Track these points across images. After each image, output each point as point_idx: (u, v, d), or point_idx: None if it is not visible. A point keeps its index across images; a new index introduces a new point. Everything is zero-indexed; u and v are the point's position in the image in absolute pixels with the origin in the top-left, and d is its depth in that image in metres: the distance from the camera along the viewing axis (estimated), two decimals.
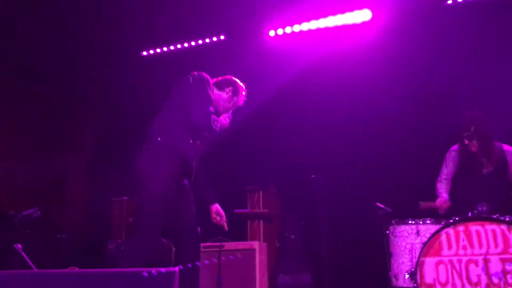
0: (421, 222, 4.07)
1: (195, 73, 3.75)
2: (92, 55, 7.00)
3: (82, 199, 7.70)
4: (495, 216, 3.68)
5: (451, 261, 3.69)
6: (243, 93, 3.91)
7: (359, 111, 6.05)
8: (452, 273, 3.66)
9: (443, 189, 4.48)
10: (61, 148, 7.57)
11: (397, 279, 4.07)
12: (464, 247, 3.68)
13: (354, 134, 6.05)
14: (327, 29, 6.24)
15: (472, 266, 3.63)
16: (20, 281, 2.77)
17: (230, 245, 5.05)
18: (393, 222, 4.22)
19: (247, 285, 4.84)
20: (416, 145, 5.72)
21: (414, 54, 5.80)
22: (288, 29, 6.39)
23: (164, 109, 3.78)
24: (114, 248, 5.58)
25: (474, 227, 3.68)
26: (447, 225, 3.77)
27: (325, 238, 5.38)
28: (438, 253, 3.73)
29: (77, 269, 3.35)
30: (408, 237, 4.07)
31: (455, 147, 4.51)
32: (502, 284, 3.50)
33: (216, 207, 3.88)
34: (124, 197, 6.29)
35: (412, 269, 3.87)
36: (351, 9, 6.06)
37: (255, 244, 5.08)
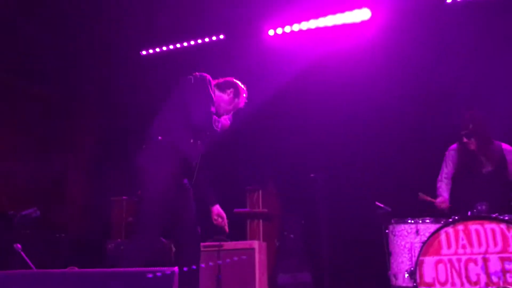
0: (420, 221, 4.07)
1: (197, 73, 3.76)
2: (92, 55, 7.00)
3: (81, 199, 7.70)
4: (494, 215, 3.69)
5: (450, 260, 3.69)
6: (244, 95, 3.92)
7: (358, 110, 6.04)
8: (451, 272, 3.67)
9: (443, 188, 4.48)
10: (61, 148, 7.57)
11: (396, 278, 4.07)
12: (464, 246, 3.69)
13: (353, 133, 6.05)
14: (326, 28, 6.24)
15: (471, 265, 3.63)
16: (19, 281, 2.76)
17: (229, 244, 5.05)
18: (392, 221, 4.22)
19: (247, 285, 4.85)
20: (416, 144, 5.72)
21: (414, 53, 5.80)
22: (287, 29, 6.38)
23: (164, 109, 3.78)
24: (113, 248, 5.58)
25: (473, 226, 3.69)
26: (447, 224, 3.77)
27: (325, 237, 5.38)
28: (438, 252, 3.74)
29: (76, 269, 3.35)
30: (408, 236, 4.07)
31: (454, 146, 4.51)
32: (501, 283, 3.51)
33: (217, 208, 3.88)
34: (124, 197, 6.29)
35: (412, 268, 3.87)
36: (350, 8, 6.06)
37: (255, 244, 5.08)
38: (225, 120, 3.79)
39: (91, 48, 6.90)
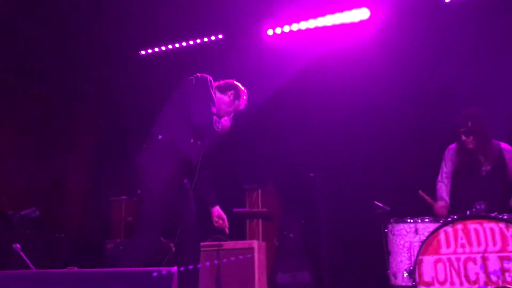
0: (419, 221, 4.07)
1: (198, 74, 3.78)
2: (91, 55, 7.01)
3: (81, 198, 7.71)
4: (493, 215, 3.69)
5: (449, 259, 3.70)
6: (244, 97, 3.93)
7: (357, 110, 6.04)
8: (450, 271, 3.68)
9: (443, 189, 4.45)
10: (61, 148, 7.58)
11: (395, 278, 4.07)
12: (463, 245, 3.70)
13: (352, 133, 6.05)
14: (325, 28, 6.24)
15: (470, 264, 3.64)
16: (18, 281, 2.77)
17: (229, 244, 5.05)
18: (391, 220, 4.22)
19: (246, 284, 4.85)
20: (415, 143, 5.72)
21: (413, 53, 5.80)
22: (286, 28, 6.39)
23: (165, 109, 3.80)
24: (113, 248, 5.59)
25: (472, 225, 3.70)
26: (446, 224, 3.78)
27: (324, 237, 5.38)
28: (437, 252, 3.74)
29: (76, 269, 3.35)
30: (407, 236, 4.07)
31: (453, 145, 4.51)
32: (500, 282, 3.51)
33: (218, 210, 3.89)
34: (123, 197, 6.29)
35: (411, 268, 3.87)
36: (349, 8, 6.06)
37: (254, 243, 5.08)
38: (226, 122, 3.80)
39: (91, 48, 6.91)
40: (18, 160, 6.93)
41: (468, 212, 3.83)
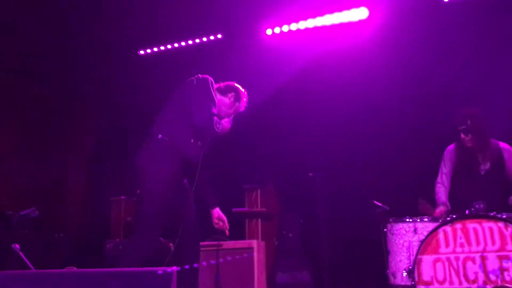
0: (418, 220, 4.06)
1: (200, 75, 3.80)
2: (91, 55, 7.01)
3: (81, 198, 7.71)
4: (492, 214, 3.70)
5: (448, 259, 3.70)
6: (245, 99, 3.96)
7: (356, 109, 6.05)
8: (449, 271, 3.68)
9: (442, 192, 4.44)
10: (61, 148, 7.58)
11: (395, 277, 4.07)
12: (462, 245, 3.70)
13: (351, 132, 6.06)
14: (324, 28, 6.24)
15: (469, 264, 3.64)
16: (17, 281, 2.77)
17: (228, 244, 5.06)
18: (390, 220, 4.22)
19: (246, 284, 4.85)
20: (414, 143, 5.72)
21: (412, 52, 5.80)
22: (285, 28, 6.38)
23: (165, 109, 3.81)
24: (112, 248, 5.59)
25: (471, 224, 3.70)
26: (445, 223, 3.78)
27: (324, 236, 5.39)
28: (436, 251, 3.74)
29: (75, 269, 3.36)
30: (406, 235, 4.06)
31: (452, 146, 4.52)
32: (499, 281, 3.52)
33: (218, 212, 3.90)
34: (122, 197, 6.30)
35: (410, 267, 3.88)
36: (348, 7, 6.07)
37: (253, 243, 5.09)
38: (226, 123, 3.83)
39: (91, 48, 6.92)
40: (18, 160, 6.94)
41: (467, 212, 3.83)
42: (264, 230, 6.04)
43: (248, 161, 6.42)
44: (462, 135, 4.32)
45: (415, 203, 4.39)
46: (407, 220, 4.10)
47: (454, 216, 3.84)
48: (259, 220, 6.05)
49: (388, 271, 4.16)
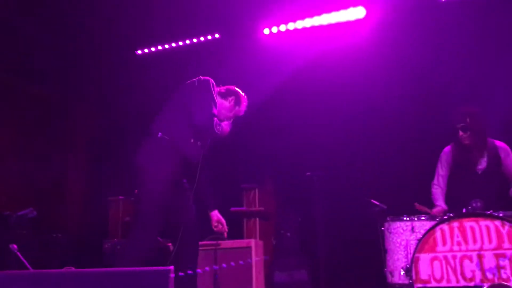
0: (416, 219, 4.08)
1: (201, 77, 3.83)
2: (91, 55, 7.02)
3: (80, 198, 7.70)
4: (489, 212, 3.71)
5: (445, 257, 3.71)
6: (245, 103, 3.99)
7: (353, 108, 6.06)
8: (446, 269, 3.69)
9: (439, 195, 4.46)
10: (60, 148, 7.58)
11: (392, 276, 4.08)
12: (459, 243, 3.71)
13: (349, 131, 6.07)
14: (321, 27, 6.25)
15: (466, 262, 3.65)
16: (15, 282, 2.77)
17: (226, 243, 5.06)
18: (388, 218, 4.23)
19: (244, 283, 4.85)
20: (411, 142, 5.73)
21: (409, 51, 5.81)
22: (282, 27, 6.39)
23: (165, 109, 3.83)
24: (110, 247, 5.59)
25: (468, 223, 3.71)
26: (442, 222, 3.79)
27: (321, 235, 5.39)
28: (433, 249, 3.75)
29: (73, 269, 3.35)
30: (403, 234, 4.07)
31: (448, 147, 4.54)
32: (496, 279, 3.53)
33: (216, 214, 3.93)
34: (121, 197, 6.29)
35: (407, 266, 3.89)
36: (345, 6, 6.08)
37: (252, 242, 5.09)
38: (226, 126, 3.85)
39: (90, 48, 6.92)
40: (18, 160, 6.93)
41: (464, 210, 3.85)
42: (262, 229, 6.05)
43: (246, 161, 6.43)
44: (461, 133, 4.33)
45: (412, 202, 4.39)
46: (405, 218, 4.11)
47: (451, 214, 3.85)
48: (257, 219, 6.05)
49: (385, 269, 4.17)
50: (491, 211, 3.73)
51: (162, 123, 3.74)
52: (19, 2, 5.95)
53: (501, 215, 3.68)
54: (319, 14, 6.20)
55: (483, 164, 4.33)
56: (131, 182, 3.95)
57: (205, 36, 6.76)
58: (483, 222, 3.66)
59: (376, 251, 4.37)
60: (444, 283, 3.67)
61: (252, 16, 6.38)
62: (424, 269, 3.75)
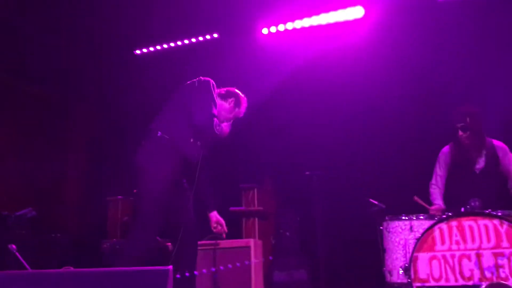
0: (414, 218, 4.07)
1: (201, 77, 3.84)
2: (90, 55, 7.03)
3: (79, 198, 7.71)
4: (487, 211, 3.71)
5: (444, 256, 3.71)
6: (244, 105, 4.00)
7: (353, 108, 6.06)
8: (445, 268, 3.69)
9: (437, 194, 4.47)
10: (60, 148, 7.58)
11: (391, 275, 4.08)
12: (457, 242, 3.70)
13: (347, 131, 6.07)
14: (320, 27, 6.25)
15: (465, 261, 3.65)
16: (14, 282, 2.77)
17: (225, 243, 5.06)
18: (386, 218, 4.22)
19: (243, 283, 4.86)
20: (410, 142, 5.74)
21: (408, 51, 5.82)
22: (281, 27, 6.40)
23: (165, 109, 3.84)
24: (109, 247, 5.59)
25: (467, 222, 3.71)
26: (440, 221, 3.79)
27: (320, 235, 5.39)
28: (432, 249, 3.75)
29: (72, 269, 3.36)
30: (402, 233, 4.07)
31: (446, 147, 4.54)
32: (494, 278, 3.53)
33: (216, 215, 3.93)
34: (119, 196, 6.30)
35: (406, 265, 3.89)
36: (343, 6, 6.08)
37: (251, 242, 5.09)
38: (226, 127, 3.86)
39: (91, 49, 6.93)
40: (17, 160, 6.93)
41: (462, 209, 3.85)
42: (261, 229, 6.05)
43: (245, 160, 6.43)
44: (460, 132, 4.34)
45: (411, 201, 4.40)
46: (403, 218, 4.11)
47: (449, 213, 3.85)
48: (256, 219, 6.06)
49: (384, 269, 4.17)
50: (490, 210, 3.73)
51: (162, 123, 3.75)
52: (19, 2, 5.95)
53: (499, 214, 3.68)
54: (317, 13, 6.20)
55: (481, 163, 4.34)
56: (130, 182, 3.95)
57: (204, 36, 6.77)
58: (482, 221, 3.66)
59: (375, 250, 4.37)
60: (442, 282, 3.67)
61: (251, 16, 6.39)
62: (422, 268, 3.74)
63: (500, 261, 3.55)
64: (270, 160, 6.46)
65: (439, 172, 4.52)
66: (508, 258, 3.54)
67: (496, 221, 3.62)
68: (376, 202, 4.61)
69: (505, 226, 3.59)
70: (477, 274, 3.59)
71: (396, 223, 4.12)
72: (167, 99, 3.88)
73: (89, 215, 7.31)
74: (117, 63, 7.15)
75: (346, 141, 6.06)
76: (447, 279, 3.66)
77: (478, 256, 3.62)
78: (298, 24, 6.33)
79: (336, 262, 5.75)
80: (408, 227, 4.06)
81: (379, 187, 5.44)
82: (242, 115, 4.03)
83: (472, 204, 3.82)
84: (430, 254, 3.75)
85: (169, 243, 5.11)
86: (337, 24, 6.17)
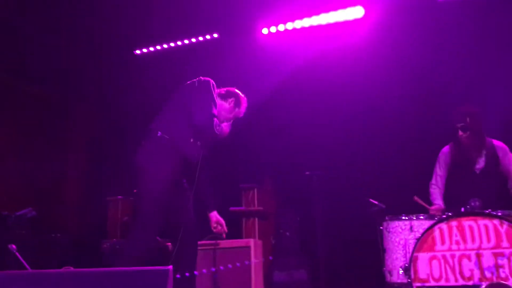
0: (414, 218, 4.07)
1: (202, 77, 3.85)
2: (90, 55, 7.02)
3: (79, 198, 7.71)
4: (487, 211, 3.71)
5: (444, 256, 3.71)
6: (244, 105, 4.00)
7: (353, 108, 6.06)
8: (445, 268, 3.69)
9: (437, 194, 4.47)
10: (60, 148, 7.58)
11: (391, 275, 4.08)
12: (457, 242, 3.70)
13: (347, 131, 6.07)
14: (320, 27, 6.25)
15: (465, 261, 3.65)
16: (14, 282, 2.77)
17: (225, 243, 5.06)
18: (386, 218, 4.22)
19: (243, 283, 4.86)
20: (410, 142, 5.74)
21: (408, 51, 5.82)
22: (281, 27, 6.40)
23: (165, 109, 3.84)
24: (109, 247, 5.59)
25: (467, 222, 3.71)
26: (440, 221, 3.79)
27: (320, 235, 5.39)
28: (432, 249, 3.75)
29: (72, 269, 3.36)
30: (402, 233, 4.07)
31: (446, 147, 4.54)
32: (494, 278, 3.53)
33: (215, 215, 3.93)
34: (119, 196, 6.30)
35: (406, 265, 3.89)
36: (343, 6, 6.08)
37: (251, 242, 5.09)
38: (226, 127, 3.87)
39: (91, 49, 6.93)
40: (17, 160, 6.94)
41: (462, 209, 3.85)
42: (261, 229, 6.05)
43: (244, 160, 6.43)
44: (460, 132, 4.34)
45: (411, 201, 4.40)
46: (403, 218, 4.11)
47: (449, 213, 3.85)
48: (256, 219, 6.06)
49: (384, 269, 4.17)
50: (490, 210, 3.73)
51: (162, 123, 3.75)
52: (19, 2, 5.95)
53: (499, 214, 3.68)
54: (317, 13, 6.20)
55: (481, 163, 4.34)
56: (130, 182, 3.96)
57: (204, 36, 6.77)
58: (482, 221, 3.66)
59: (375, 250, 4.37)
60: (442, 282, 3.67)
61: (251, 16, 6.39)
62: (422, 268, 3.74)
63: (500, 261, 3.55)
64: (270, 160, 6.46)
65: (439, 172, 4.52)
66: (508, 258, 3.54)
67: (496, 221, 3.62)
68: (376, 202, 4.61)
69: (505, 226, 3.59)
70: (477, 274, 3.59)
71: (396, 223, 4.12)
72: (167, 99, 3.89)
73: (89, 215, 7.31)
74: (117, 63, 7.15)
75: (346, 141, 6.06)
76: (447, 279, 3.66)
77: (478, 256, 3.62)
78: (298, 24, 6.33)
79: (336, 262, 5.75)
80: (408, 227, 4.06)
81: (379, 187, 5.44)
82: (242, 115, 4.03)
83: (472, 204, 3.82)
84: (430, 254, 3.74)
85: (169, 243, 5.11)
86: (337, 24, 6.17)
